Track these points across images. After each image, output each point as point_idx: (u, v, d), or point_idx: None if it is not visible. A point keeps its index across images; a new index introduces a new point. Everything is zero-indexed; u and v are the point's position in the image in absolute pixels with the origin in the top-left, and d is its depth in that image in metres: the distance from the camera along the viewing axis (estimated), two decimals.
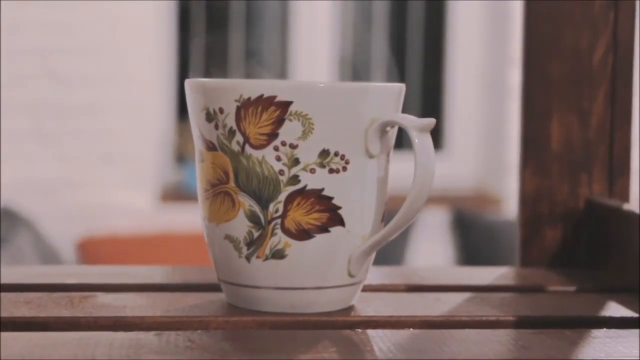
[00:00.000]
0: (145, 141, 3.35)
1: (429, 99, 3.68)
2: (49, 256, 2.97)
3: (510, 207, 3.42)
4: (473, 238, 3.41)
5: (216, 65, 3.59)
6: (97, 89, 3.26)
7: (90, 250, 3.19)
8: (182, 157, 3.48)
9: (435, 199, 3.21)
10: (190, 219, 3.19)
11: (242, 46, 3.59)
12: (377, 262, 0.68)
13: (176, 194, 3.42)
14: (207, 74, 3.54)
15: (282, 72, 3.58)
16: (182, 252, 3.16)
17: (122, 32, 3.27)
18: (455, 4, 3.60)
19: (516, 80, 3.40)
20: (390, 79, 3.65)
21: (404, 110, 0.65)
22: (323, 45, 3.53)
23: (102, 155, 3.28)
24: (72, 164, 3.26)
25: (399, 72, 3.68)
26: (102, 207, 3.29)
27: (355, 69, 3.69)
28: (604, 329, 0.62)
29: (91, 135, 3.27)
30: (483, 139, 3.62)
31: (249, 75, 3.60)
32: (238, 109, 0.61)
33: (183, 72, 3.52)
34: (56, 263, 2.98)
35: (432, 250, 3.43)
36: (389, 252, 3.06)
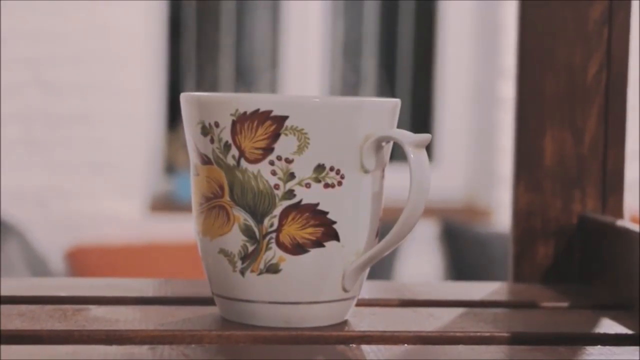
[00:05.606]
0: (135, 151, 3.34)
1: (419, 110, 3.68)
2: (37, 265, 2.96)
3: (500, 219, 3.43)
4: (462, 250, 3.41)
5: (207, 74, 3.59)
6: (87, 98, 3.26)
7: (80, 260, 3.18)
8: (172, 167, 3.47)
9: (425, 210, 3.20)
10: (179, 229, 3.19)
11: (233, 55, 3.59)
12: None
13: (166, 204, 3.41)
14: (199, 85, 3.54)
15: (272, 85, 3.58)
16: (172, 263, 3.15)
17: (112, 41, 3.27)
18: (445, 16, 3.61)
19: (506, 92, 3.41)
20: (380, 91, 3.65)
21: None
22: (313, 57, 3.54)
23: (92, 164, 3.28)
24: (62, 173, 3.25)
25: (389, 83, 3.69)
26: (92, 217, 3.29)
27: (346, 81, 3.69)
28: (599, 346, 0.62)
29: (81, 145, 3.26)
30: (473, 151, 3.62)
31: (239, 85, 3.60)
32: (234, 123, 0.61)
33: (174, 82, 3.52)
34: (45, 272, 2.97)
35: (421, 261, 3.43)
36: (379, 263, 3.05)
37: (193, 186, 0.65)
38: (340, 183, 0.62)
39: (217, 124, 0.62)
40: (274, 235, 0.62)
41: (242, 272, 0.63)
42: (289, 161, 0.61)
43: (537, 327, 0.68)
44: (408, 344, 0.63)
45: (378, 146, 0.63)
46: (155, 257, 3.20)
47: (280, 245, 0.62)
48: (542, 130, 0.83)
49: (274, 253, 0.62)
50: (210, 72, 3.61)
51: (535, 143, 0.83)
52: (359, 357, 0.59)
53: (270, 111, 0.60)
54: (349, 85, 3.68)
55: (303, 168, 0.61)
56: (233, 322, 0.64)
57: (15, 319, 0.64)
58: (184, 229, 3.15)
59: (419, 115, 3.69)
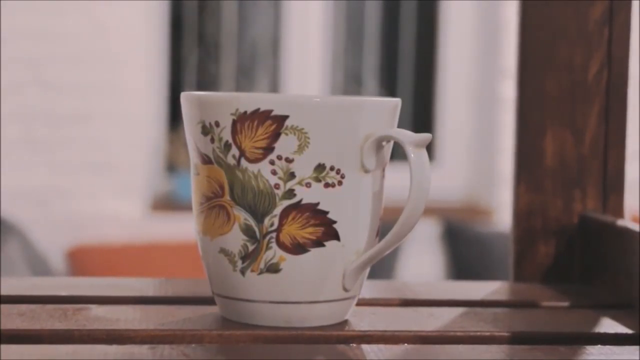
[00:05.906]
0: (136, 150, 3.34)
1: (420, 109, 3.68)
2: (38, 265, 2.96)
3: (500, 218, 3.43)
4: (463, 249, 3.41)
5: (207, 73, 3.59)
6: (88, 97, 3.26)
7: (80, 259, 3.18)
8: (173, 166, 3.47)
9: (425, 210, 3.19)
10: (180, 228, 3.19)
11: (234, 54, 3.59)
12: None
13: (167, 204, 3.41)
14: (199, 84, 3.54)
15: (273, 83, 3.58)
16: (173, 262, 3.15)
17: (113, 41, 3.27)
18: (447, 15, 3.61)
19: (507, 92, 3.41)
20: (382, 91, 3.65)
21: None
22: (315, 57, 3.53)
23: (93, 164, 3.28)
24: (63, 173, 3.25)
25: (390, 83, 3.69)
26: (92, 216, 3.29)
27: (347, 81, 3.69)
28: (599, 346, 0.62)
29: (82, 144, 3.26)
30: (474, 151, 3.62)
31: (239, 84, 3.60)
32: (234, 122, 0.61)
33: (175, 81, 3.52)
34: (46, 272, 2.97)
35: (422, 261, 3.43)
36: (379, 263, 3.05)
37: (193, 186, 0.65)
38: (340, 183, 0.62)
39: (217, 124, 0.62)
40: (274, 234, 0.62)
41: (243, 272, 0.63)
42: (289, 161, 0.61)
43: (537, 326, 0.67)
44: (408, 343, 0.63)
45: (378, 146, 0.63)
46: (155, 256, 3.20)
47: (281, 244, 0.62)
48: (542, 130, 0.83)
49: (274, 252, 0.62)
50: (211, 72, 3.61)
51: (535, 143, 0.83)
52: (359, 356, 0.59)
53: (271, 111, 0.60)
54: (350, 84, 3.68)
55: (303, 167, 0.61)
56: (233, 321, 0.64)
57: (15, 318, 0.64)
58: (184, 228, 3.15)
59: (420, 115, 3.69)
